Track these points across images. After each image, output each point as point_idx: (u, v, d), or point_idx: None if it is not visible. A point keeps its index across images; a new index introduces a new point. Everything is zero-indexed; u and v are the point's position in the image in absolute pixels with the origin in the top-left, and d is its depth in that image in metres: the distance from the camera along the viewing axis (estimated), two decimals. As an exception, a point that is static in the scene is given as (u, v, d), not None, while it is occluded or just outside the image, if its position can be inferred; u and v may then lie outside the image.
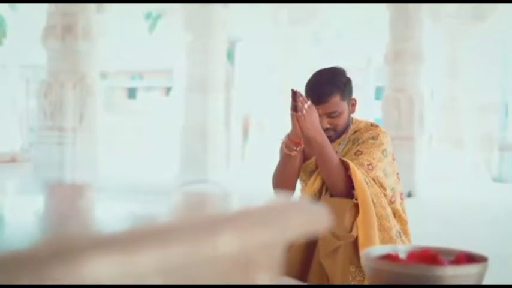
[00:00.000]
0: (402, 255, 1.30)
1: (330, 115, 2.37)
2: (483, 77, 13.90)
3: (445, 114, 12.25)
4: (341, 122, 2.40)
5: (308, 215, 0.66)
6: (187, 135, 10.04)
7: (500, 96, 14.83)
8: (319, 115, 2.35)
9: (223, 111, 10.46)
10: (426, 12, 10.37)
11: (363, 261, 1.28)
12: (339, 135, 2.44)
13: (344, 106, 2.39)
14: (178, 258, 0.50)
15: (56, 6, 7.91)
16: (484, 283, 1.53)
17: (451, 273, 1.17)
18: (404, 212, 2.42)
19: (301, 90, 2.37)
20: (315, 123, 2.26)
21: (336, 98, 2.36)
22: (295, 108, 2.24)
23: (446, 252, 1.32)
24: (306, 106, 2.24)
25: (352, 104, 2.45)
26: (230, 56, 14.33)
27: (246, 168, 13.67)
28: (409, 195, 8.94)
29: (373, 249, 1.36)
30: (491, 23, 12.49)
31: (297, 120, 2.25)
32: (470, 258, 1.27)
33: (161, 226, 0.52)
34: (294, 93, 2.23)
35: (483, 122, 14.06)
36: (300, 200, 0.69)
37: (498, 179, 13.55)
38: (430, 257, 1.25)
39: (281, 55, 12.52)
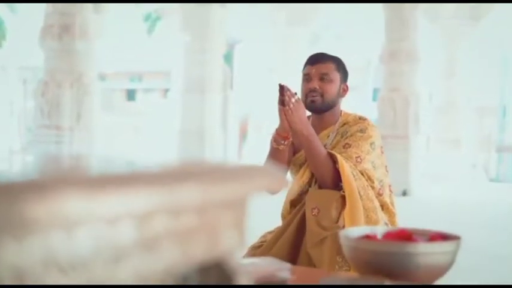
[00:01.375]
0: (379, 236, 1.35)
1: (321, 77, 2.40)
2: (481, 78, 13.94)
3: (443, 115, 12.29)
4: (330, 90, 2.41)
5: (268, 175, 0.71)
6: (184, 136, 10.09)
7: (499, 97, 14.88)
8: (312, 77, 2.40)
9: (220, 112, 10.51)
10: (424, 13, 10.41)
11: (343, 241, 1.32)
12: (325, 109, 2.43)
13: (337, 77, 2.43)
14: (140, 203, 0.54)
15: (54, 6, 7.96)
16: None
17: (423, 250, 1.22)
18: (392, 204, 2.44)
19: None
20: (302, 117, 2.29)
21: (331, 65, 2.42)
22: (282, 103, 2.27)
23: (422, 232, 1.37)
24: (293, 100, 2.27)
25: (344, 89, 2.48)
26: (229, 57, 14.38)
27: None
28: (404, 193, 8.99)
29: (352, 230, 1.42)
30: (489, 24, 12.53)
31: (285, 115, 2.28)
32: (444, 238, 1.32)
33: (127, 173, 0.57)
34: (282, 88, 2.27)
35: (481, 123, 14.11)
36: (259, 165, 0.74)
37: (496, 180, 13.61)
38: (404, 236, 1.30)
39: (280, 56, 12.57)
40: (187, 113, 10.07)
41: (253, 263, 1.44)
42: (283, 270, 1.38)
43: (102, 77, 17.44)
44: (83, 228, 0.51)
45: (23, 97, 17.60)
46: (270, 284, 1.36)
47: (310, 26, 12.79)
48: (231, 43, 14.22)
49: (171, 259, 0.62)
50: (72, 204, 0.48)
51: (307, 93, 2.41)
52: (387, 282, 1.18)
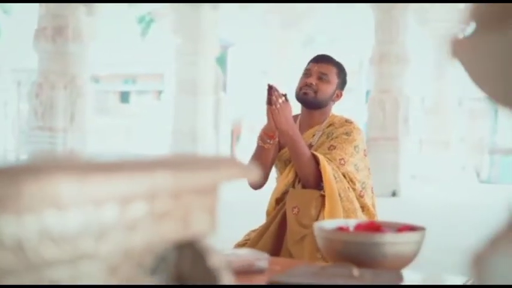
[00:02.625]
0: (351, 228, 1.45)
1: (320, 76, 2.47)
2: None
3: (433, 117, 12.39)
4: (325, 90, 2.47)
5: (238, 166, 0.80)
6: (177, 137, 10.16)
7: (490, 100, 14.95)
8: (311, 74, 2.47)
9: (213, 114, 10.58)
10: (414, 15, 10.50)
11: (317, 233, 1.42)
12: (316, 106, 2.49)
13: (335, 81, 2.50)
14: (122, 188, 0.64)
15: (47, 8, 8.03)
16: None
17: (390, 240, 1.31)
18: (373, 206, 2.50)
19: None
20: (288, 118, 2.36)
21: (333, 69, 2.50)
22: (270, 102, 2.36)
23: (391, 225, 1.47)
24: (280, 101, 2.36)
25: (337, 95, 2.54)
26: (222, 60, 14.45)
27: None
28: (394, 194, 9.08)
29: (326, 223, 1.51)
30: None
31: (271, 114, 2.37)
32: (410, 229, 1.42)
33: (112, 162, 0.66)
34: (270, 88, 2.36)
35: (473, 125, 14.21)
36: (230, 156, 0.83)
37: (487, 182, 13.71)
38: (374, 227, 1.40)
39: (273, 58, 12.63)
40: (180, 115, 10.14)
41: (234, 253, 1.53)
42: (261, 260, 1.47)
43: (96, 79, 17.49)
44: (72, 208, 0.60)
45: (17, 99, 17.64)
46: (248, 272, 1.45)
47: (304, 28, 12.86)
48: (225, 45, 14.29)
49: (148, 237, 0.72)
50: (64, 186, 0.57)
51: (302, 86, 2.47)
52: (355, 270, 1.27)
